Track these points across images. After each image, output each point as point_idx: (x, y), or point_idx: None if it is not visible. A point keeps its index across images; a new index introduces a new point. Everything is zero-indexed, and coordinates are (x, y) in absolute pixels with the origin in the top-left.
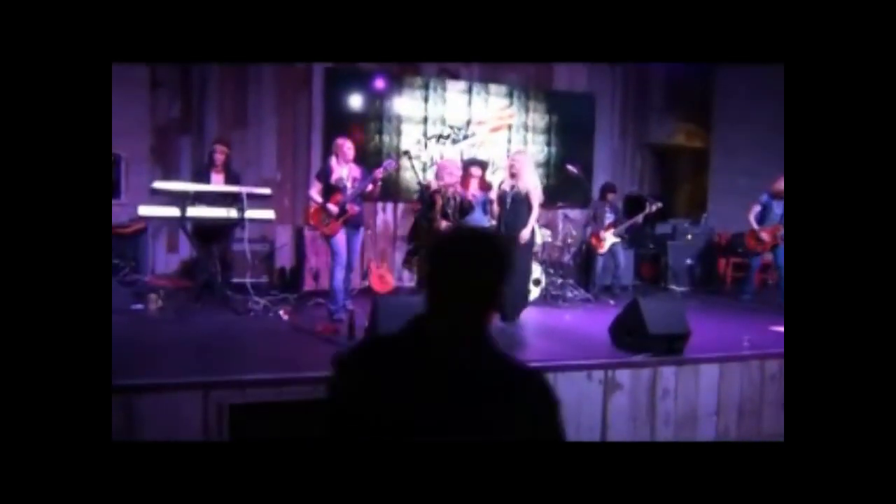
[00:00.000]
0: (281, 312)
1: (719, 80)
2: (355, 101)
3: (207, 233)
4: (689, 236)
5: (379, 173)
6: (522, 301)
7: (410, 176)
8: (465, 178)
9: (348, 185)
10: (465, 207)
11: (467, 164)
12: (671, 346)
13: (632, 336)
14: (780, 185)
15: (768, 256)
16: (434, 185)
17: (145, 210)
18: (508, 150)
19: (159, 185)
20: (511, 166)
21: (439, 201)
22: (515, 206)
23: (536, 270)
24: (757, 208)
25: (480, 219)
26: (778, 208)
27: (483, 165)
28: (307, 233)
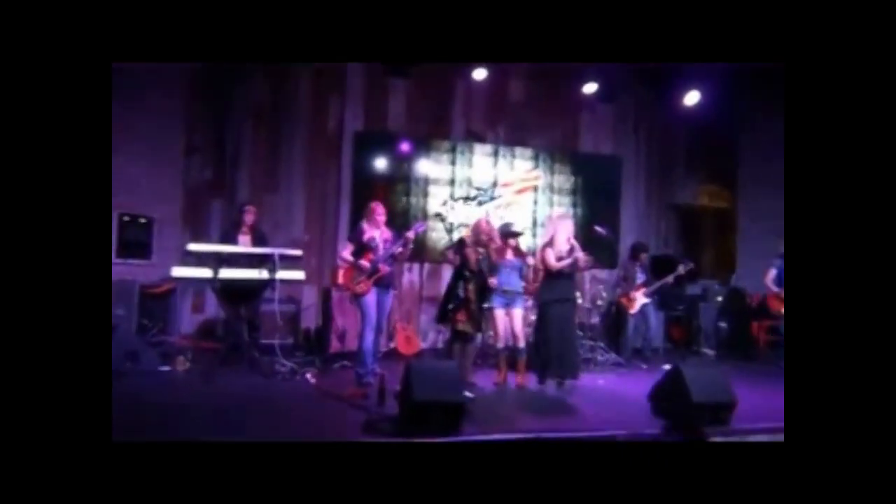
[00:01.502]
0: (308, 375)
1: (743, 141)
2: (383, 164)
3: (237, 294)
4: (720, 298)
5: (411, 235)
6: (579, 361)
7: (437, 237)
8: (503, 247)
9: (380, 246)
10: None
11: (503, 235)
12: (716, 416)
13: (674, 404)
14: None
15: None
16: (468, 240)
17: (179, 271)
18: (535, 212)
19: (194, 246)
20: (559, 230)
21: (474, 257)
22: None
23: None
24: (773, 272)
25: (516, 283)
26: None
27: (517, 235)
28: (334, 294)
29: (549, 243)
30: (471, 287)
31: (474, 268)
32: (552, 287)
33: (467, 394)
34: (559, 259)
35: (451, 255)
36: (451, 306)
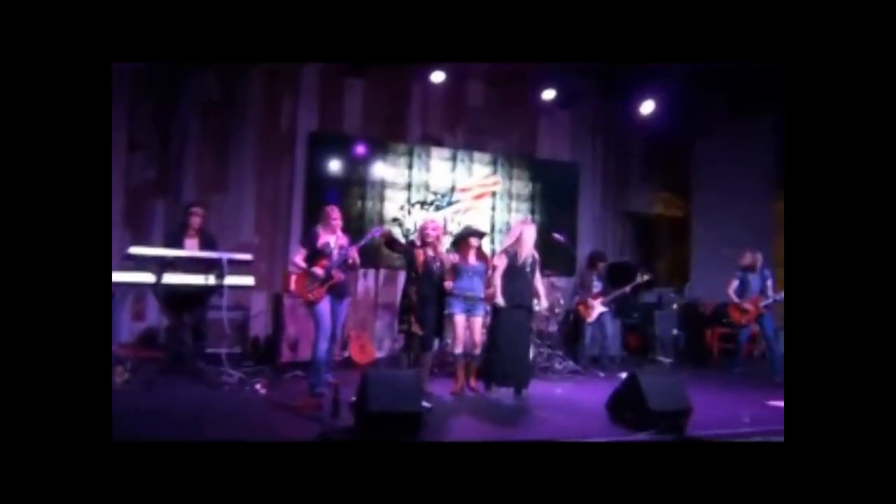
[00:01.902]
0: (257, 386)
1: (697, 149)
2: (338, 166)
3: (182, 300)
4: (675, 306)
5: (354, 251)
6: (529, 370)
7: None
8: (465, 249)
9: (334, 252)
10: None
11: (466, 235)
12: (674, 424)
13: (632, 412)
14: (747, 259)
15: (755, 328)
16: (417, 241)
17: (118, 276)
18: (493, 217)
19: (135, 250)
20: (525, 236)
21: (421, 258)
22: (529, 274)
23: None
24: (735, 283)
25: (478, 288)
26: (754, 282)
27: (481, 235)
28: (286, 300)
29: (512, 247)
30: (414, 289)
31: (419, 270)
32: (510, 291)
33: (425, 403)
34: (511, 273)
35: (383, 236)
36: (403, 309)
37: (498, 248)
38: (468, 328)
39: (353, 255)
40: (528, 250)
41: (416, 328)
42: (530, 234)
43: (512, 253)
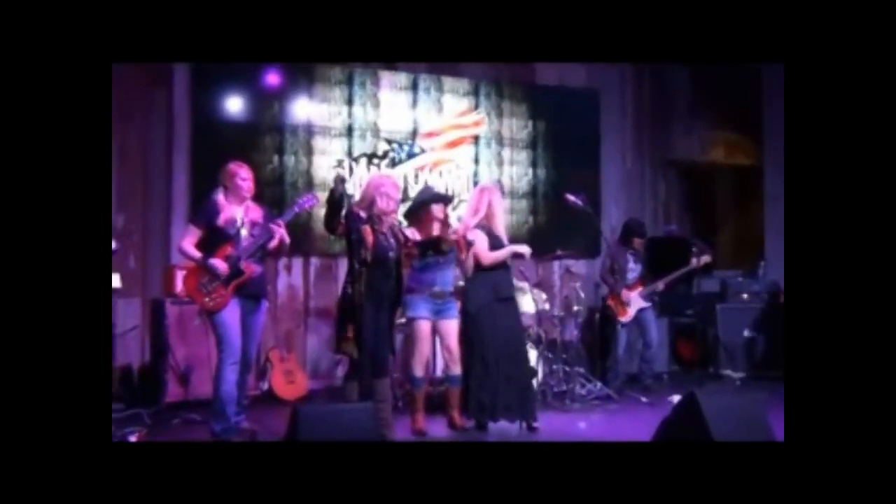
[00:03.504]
0: (132, 438)
1: (767, 70)
2: (239, 105)
3: None
4: (746, 296)
5: (281, 223)
6: (532, 393)
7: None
8: (426, 222)
9: (244, 231)
10: (437, 247)
11: (426, 202)
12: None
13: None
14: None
15: None
16: (362, 212)
17: None
18: (476, 174)
19: None
20: (496, 206)
21: (370, 239)
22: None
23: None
24: None
25: (448, 280)
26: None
27: (447, 201)
28: (170, 308)
29: (482, 223)
30: (359, 287)
31: (367, 256)
32: (483, 282)
33: None
34: (493, 249)
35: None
36: (344, 318)
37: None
38: (437, 337)
39: (281, 232)
40: (503, 224)
41: (352, 347)
42: (501, 203)
43: (487, 229)
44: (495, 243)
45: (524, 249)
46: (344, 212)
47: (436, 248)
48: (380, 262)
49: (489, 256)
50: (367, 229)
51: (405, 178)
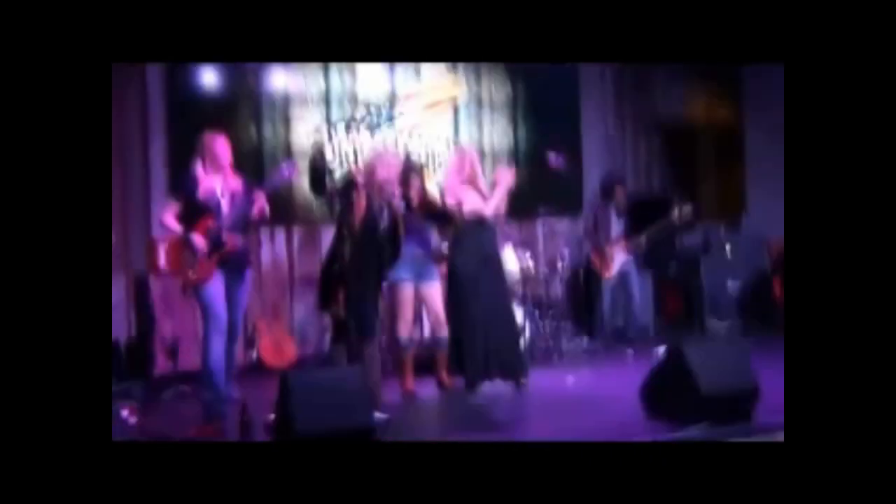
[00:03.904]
0: (124, 413)
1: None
2: (214, 76)
3: None
4: (728, 247)
5: (261, 193)
6: (520, 356)
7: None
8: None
9: (224, 203)
10: (439, 214)
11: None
12: (735, 410)
13: (677, 401)
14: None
15: None
16: (360, 178)
17: None
18: (455, 138)
19: None
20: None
21: (363, 204)
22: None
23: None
24: None
25: (426, 245)
26: None
27: (420, 169)
28: (154, 283)
29: (468, 179)
30: (347, 251)
31: (357, 223)
32: (467, 243)
33: (378, 415)
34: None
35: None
36: (330, 280)
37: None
38: (421, 301)
39: (262, 203)
40: (484, 184)
41: (341, 310)
42: (478, 166)
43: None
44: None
45: (510, 174)
46: (327, 177)
47: (443, 219)
48: (369, 230)
49: (495, 208)
50: (361, 195)
51: (384, 143)
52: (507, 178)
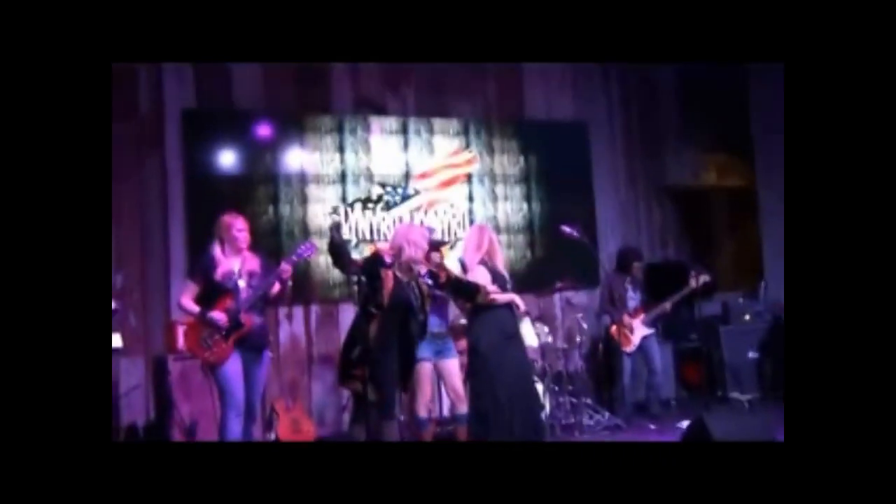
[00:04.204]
0: None
1: (754, 87)
2: (232, 158)
3: None
4: (748, 316)
5: (288, 267)
6: (543, 425)
7: (328, 261)
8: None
9: (242, 283)
10: (466, 289)
11: None
12: None
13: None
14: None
15: None
16: (388, 257)
17: None
18: (471, 212)
19: None
20: (495, 244)
21: (390, 283)
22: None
23: None
24: None
25: (442, 322)
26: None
27: (441, 245)
28: (173, 364)
29: (483, 260)
30: (374, 329)
31: (386, 300)
32: (487, 319)
33: None
34: (496, 284)
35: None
36: (351, 357)
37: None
38: (439, 378)
39: (287, 270)
40: (503, 261)
41: (368, 389)
42: (496, 242)
43: (489, 266)
44: (498, 280)
45: (520, 302)
46: (347, 255)
47: (470, 295)
48: (396, 307)
49: (498, 297)
50: (388, 274)
51: (399, 220)
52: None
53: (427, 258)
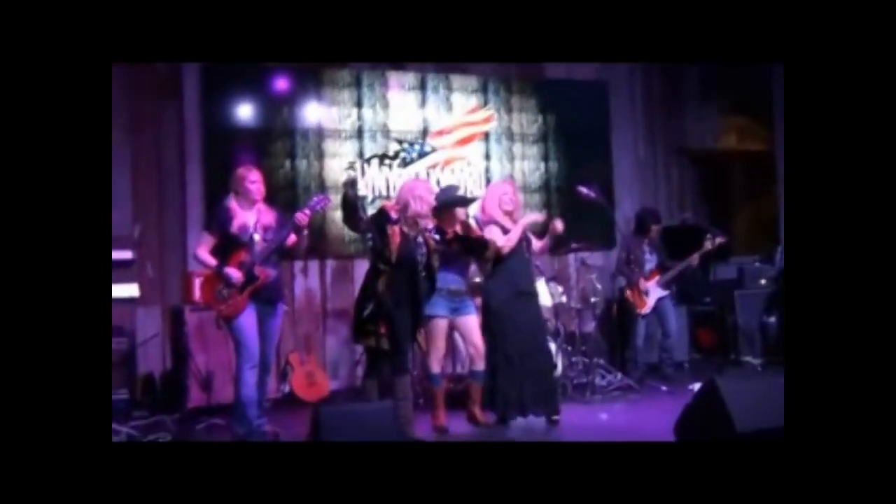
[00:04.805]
0: None
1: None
2: (249, 111)
3: None
4: (763, 281)
5: (304, 217)
6: (556, 386)
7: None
8: (448, 222)
9: (257, 236)
10: (474, 244)
11: (450, 202)
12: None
13: (710, 437)
14: None
15: None
16: (394, 213)
17: None
18: (487, 170)
19: None
20: (510, 200)
21: (397, 239)
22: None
23: None
24: None
25: (461, 279)
26: None
27: (468, 202)
28: (189, 315)
29: (504, 212)
30: (384, 284)
31: (394, 256)
32: (502, 276)
33: None
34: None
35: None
36: (364, 314)
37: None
38: (456, 334)
39: (302, 220)
40: (497, 211)
41: (384, 342)
42: (499, 191)
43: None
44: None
45: (536, 217)
46: (361, 212)
47: (480, 251)
48: (404, 263)
49: (508, 241)
50: (395, 230)
51: (416, 175)
52: (529, 219)
53: (439, 213)
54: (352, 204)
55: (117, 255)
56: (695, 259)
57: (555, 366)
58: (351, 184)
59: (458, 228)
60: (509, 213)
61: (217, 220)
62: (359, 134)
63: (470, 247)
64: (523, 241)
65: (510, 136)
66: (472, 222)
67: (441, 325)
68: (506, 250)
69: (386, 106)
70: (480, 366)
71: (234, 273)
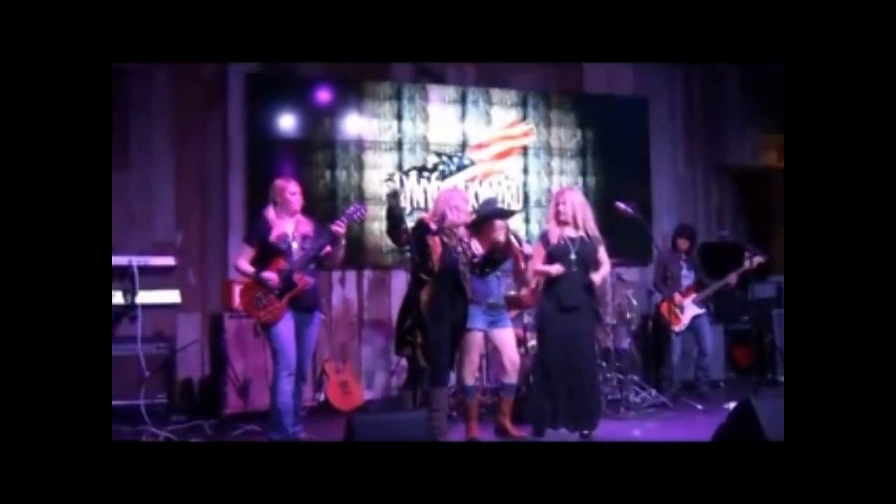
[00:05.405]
0: None
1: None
2: (292, 122)
3: None
4: None
5: (340, 226)
6: (598, 403)
7: (381, 228)
8: (487, 235)
9: (295, 245)
10: (495, 259)
11: (489, 215)
12: None
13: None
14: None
15: None
16: (433, 224)
17: None
18: (525, 184)
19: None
20: (561, 209)
21: (438, 249)
22: (581, 263)
23: None
24: None
25: (500, 292)
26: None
27: (508, 215)
28: (228, 322)
29: (562, 222)
30: (426, 296)
31: (436, 266)
32: (548, 290)
33: None
34: (551, 258)
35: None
36: (405, 325)
37: (540, 227)
38: (494, 347)
39: (340, 230)
40: (593, 223)
41: (421, 354)
42: (580, 202)
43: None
44: (555, 255)
45: (555, 270)
46: (404, 225)
47: (494, 265)
48: (446, 274)
49: (530, 272)
50: (435, 240)
51: (457, 188)
52: (546, 268)
53: (476, 226)
54: (397, 216)
55: (160, 260)
56: (733, 278)
57: (598, 383)
58: (394, 195)
59: (501, 240)
60: (564, 223)
61: (256, 230)
62: (398, 146)
63: (489, 261)
64: (580, 253)
65: (549, 151)
66: (512, 238)
67: (478, 337)
68: (527, 276)
69: (426, 119)
70: (513, 379)
71: (272, 276)
